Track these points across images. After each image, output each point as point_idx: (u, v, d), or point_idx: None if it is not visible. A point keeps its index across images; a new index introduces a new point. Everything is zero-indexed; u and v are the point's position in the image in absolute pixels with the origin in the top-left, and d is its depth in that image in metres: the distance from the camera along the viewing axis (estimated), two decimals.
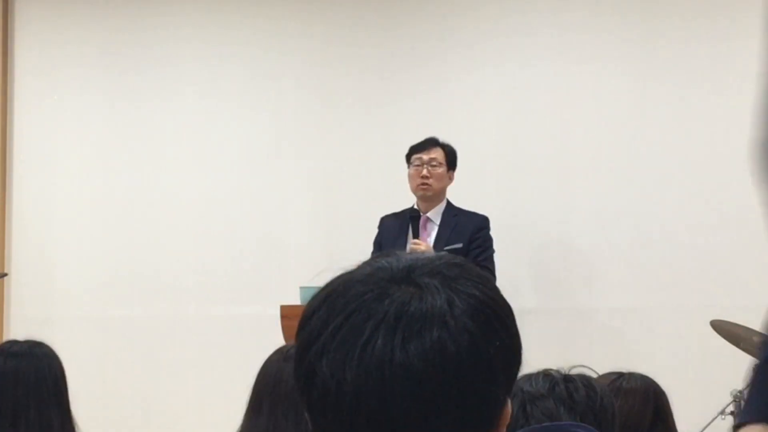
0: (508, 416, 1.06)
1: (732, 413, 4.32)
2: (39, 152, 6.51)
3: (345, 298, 1.03)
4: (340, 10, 6.19)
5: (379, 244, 5.19)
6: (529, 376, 1.93)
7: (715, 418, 4.33)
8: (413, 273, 1.04)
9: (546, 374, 1.93)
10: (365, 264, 1.08)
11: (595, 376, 1.99)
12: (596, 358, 2.71)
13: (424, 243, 4.93)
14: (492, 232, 5.53)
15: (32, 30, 6.59)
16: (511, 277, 5.62)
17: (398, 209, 5.26)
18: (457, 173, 5.87)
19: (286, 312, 4.89)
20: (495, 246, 5.38)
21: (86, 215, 6.41)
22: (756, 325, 4.37)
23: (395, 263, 1.06)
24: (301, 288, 4.98)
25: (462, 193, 5.54)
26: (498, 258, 5.39)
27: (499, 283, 1.11)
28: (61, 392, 2.82)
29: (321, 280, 1.13)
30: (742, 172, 5.84)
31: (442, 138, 5.86)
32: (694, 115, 5.70)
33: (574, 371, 1.96)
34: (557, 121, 5.85)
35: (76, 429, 2.85)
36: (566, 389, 1.89)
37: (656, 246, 5.67)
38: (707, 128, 5.68)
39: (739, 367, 4.48)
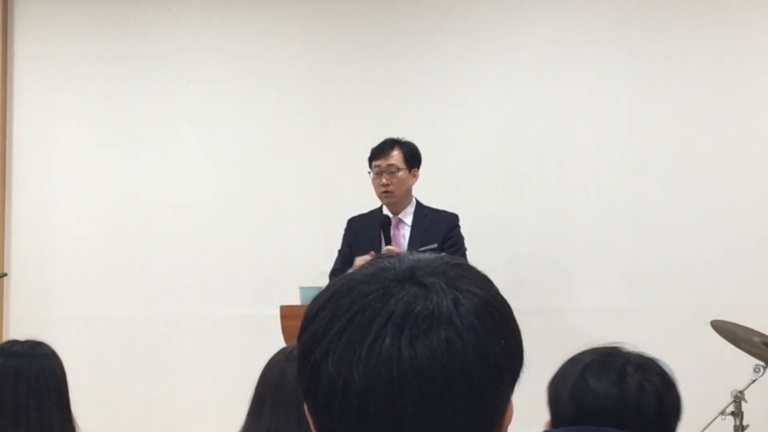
0: (512, 416, 1.06)
1: (732, 413, 4.32)
2: (39, 152, 6.51)
3: (349, 298, 1.02)
4: (340, 10, 6.19)
5: (350, 246, 5.15)
6: (597, 370, 1.89)
7: (716, 418, 4.32)
8: (417, 273, 1.04)
9: (619, 356, 1.89)
10: (366, 264, 1.08)
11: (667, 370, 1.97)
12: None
13: (397, 247, 4.92)
14: (491, 231, 5.53)
15: (32, 30, 6.59)
16: (511, 277, 5.62)
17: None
18: (457, 171, 5.88)
19: (286, 312, 4.89)
20: (493, 245, 5.38)
21: (86, 215, 6.41)
22: (756, 325, 4.38)
23: (397, 264, 1.06)
24: (301, 288, 4.98)
25: (462, 192, 5.55)
26: (498, 258, 5.38)
27: (499, 282, 1.11)
28: (61, 392, 2.82)
29: (322, 281, 1.14)
30: (743, 172, 5.88)
31: (438, 137, 5.87)
32: (695, 115, 5.71)
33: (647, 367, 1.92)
34: (557, 121, 5.86)
35: (76, 429, 2.85)
36: (636, 403, 1.86)
37: (656, 246, 5.67)
38: (708, 128, 5.69)
39: (739, 367, 4.50)
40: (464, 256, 5.05)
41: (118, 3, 6.46)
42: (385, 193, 5.07)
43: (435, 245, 4.97)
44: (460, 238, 5.13)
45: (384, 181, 5.04)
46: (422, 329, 0.99)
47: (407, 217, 5.12)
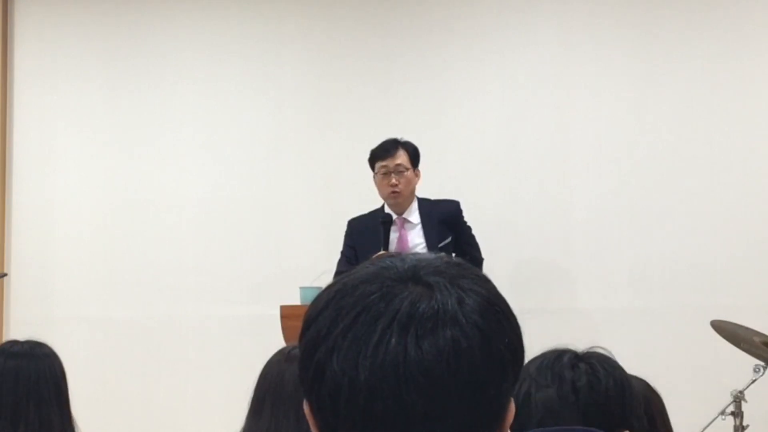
0: (513, 414, 1.06)
1: (732, 413, 4.32)
2: (39, 153, 6.51)
3: (353, 297, 1.03)
4: (340, 10, 6.19)
5: (353, 248, 5.13)
6: (540, 359, 1.91)
7: (715, 418, 4.33)
8: (420, 272, 1.04)
9: (557, 357, 1.92)
10: (368, 264, 1.08)
11: (613, 359, 1.98)
12: (592, 346, 2.70)
13: (402, 248, 4.94)
14: (491, 231, 5.54)
15: (32, 30, 6.59)
16: (511, 277, 5.62)
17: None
18: (457, 171, 5.89)
19: (286, 312, 4.89)
20: (494, 245, 5.39)
21: (86, 215, 6.41)
22: (756, 325, 4.38)
23: (399, 263, 1.06)
24: (301, 288, 4.98)
25: (463, 193, 5.54)
26: (498, 258, 5.39)
27: (499, 283, 1.11)
28: (61, 392, 2.82)
29: (322, 281, 1.14)
30: (743, 172, 5.88)
31: (438, 137, 5.87)
32: (694, 115, 5.71)
33: (594, 350, 1.95)
34: (557, 121, 5.86)
35: (76, 429, 2.85)
36: (571, 377, 1.88)
37: (656, 246, 5.67)
38: (707, 128, 5.69)
39: (739, 367, 4.50)
40: (476, 242, 5.17)
41: (118, 3, 6.46)
42: (393, 194, 5.06)
43: (449, 239, 5.00)
44: (467, 227, 5.19)
45: (393, 181, 5.04)
46: (428, 328, 0.99)
47: (412, 215, 5.12)
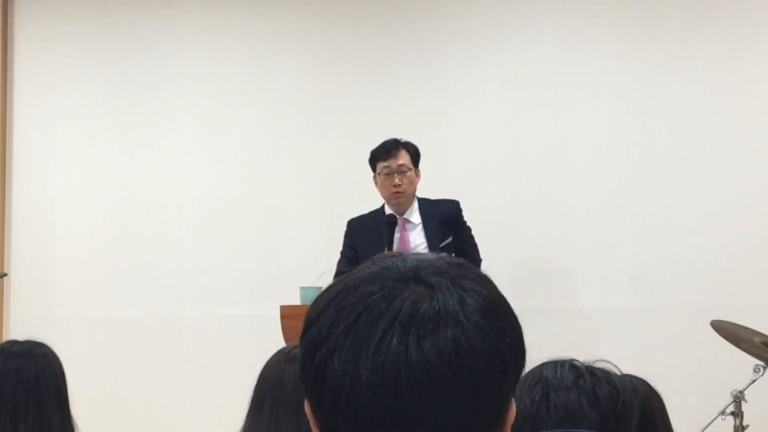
0: (514, 414, 1.07)
1: (732, 413, 4.32)
2: (39, 152, 6.51)
3: (354, 297, 1.03)
4: (340, 10, 6.19)
5: (353, 248, 5.13)
6: (554, 364, 1.92)
7: (715, 418, 4.33)
8: (421, 272, 1.05)
9: (572, 365, 1.92)
10: (369, 263, 1.08)
11: (618, 372, 1.98)
12: (596, 359, 2.70)
13: (404, 249, 4.93)
14: (491, 231, 5.55)
15: (32, 30, 6.59)
16: (511, 277, 5.62)
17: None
18: (457, 171, 5.89)
19: (286, 312, 4.89)
20: (494, 245, 5.40)
21: (86, 215, 6.41)
22: (756, 325, 4.38)
23: (401, 263, 1.06)
24: (301, 288, 4.98)
25: (463, 193, 5.54)
26: (498, 258, 5.39)
27: (499, 283, 1.11)
28: (61, 392, 2.82)
29: (322, 282, 1.14)
30: (743, 172, 5.88)
31: (438, 137, 5.87)
32: (694, 115, 5.71)
33: (597, 365, 1.95)
34: (557, 121, 5.86)
35: (75, 429, 2.85)
36: (591, 384, 1.88)
37: (656, 246, 5.67)
38: (707, 128, 5.69)
39: (739, 367, 4.50)
40: (475, 243, 5.17)
41: (118, 3, 6.46)
42: (396, 194, 5.06)
43: (450, 239, 5.01)
44: (467, 227, 5.19)
45: (397, 181, 5.04)
46: (429, 328, 1.00)
47: (412, 215, 5.12)
